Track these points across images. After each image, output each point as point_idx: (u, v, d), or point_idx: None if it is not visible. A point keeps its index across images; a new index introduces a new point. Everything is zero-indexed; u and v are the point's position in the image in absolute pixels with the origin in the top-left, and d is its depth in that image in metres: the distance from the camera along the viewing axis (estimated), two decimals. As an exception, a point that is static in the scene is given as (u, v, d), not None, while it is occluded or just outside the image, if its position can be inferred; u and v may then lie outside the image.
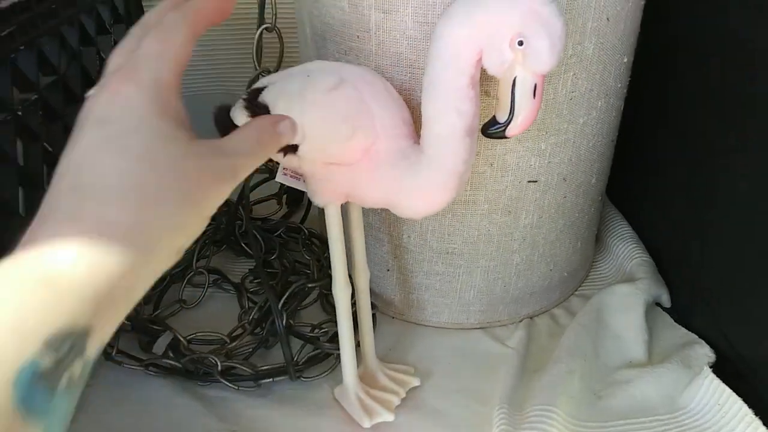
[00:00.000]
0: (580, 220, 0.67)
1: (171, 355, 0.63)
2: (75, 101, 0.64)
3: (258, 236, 0.76)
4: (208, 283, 0.75)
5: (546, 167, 0.59)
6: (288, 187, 0.85)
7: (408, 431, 0.57)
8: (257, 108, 0.50)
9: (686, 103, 0.68)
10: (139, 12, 0.83)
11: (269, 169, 0.77)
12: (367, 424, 0.57)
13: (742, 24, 0.58)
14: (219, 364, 0.61)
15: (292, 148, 0.49)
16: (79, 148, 0.30)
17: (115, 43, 0.73)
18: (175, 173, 0.31)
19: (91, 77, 0.67)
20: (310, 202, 0.84)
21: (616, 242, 0.77)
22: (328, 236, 0.54)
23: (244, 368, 0.62)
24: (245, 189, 0.76)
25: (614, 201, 0.84)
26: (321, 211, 0.79)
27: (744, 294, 0.59)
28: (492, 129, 0.46)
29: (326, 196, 0.52)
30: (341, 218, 0.54)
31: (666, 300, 0.70)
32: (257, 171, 0.77)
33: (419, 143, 0.49)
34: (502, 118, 0.45)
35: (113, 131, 0.30)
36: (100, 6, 0.70)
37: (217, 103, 1.01)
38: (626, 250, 0.75)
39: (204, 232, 0.79)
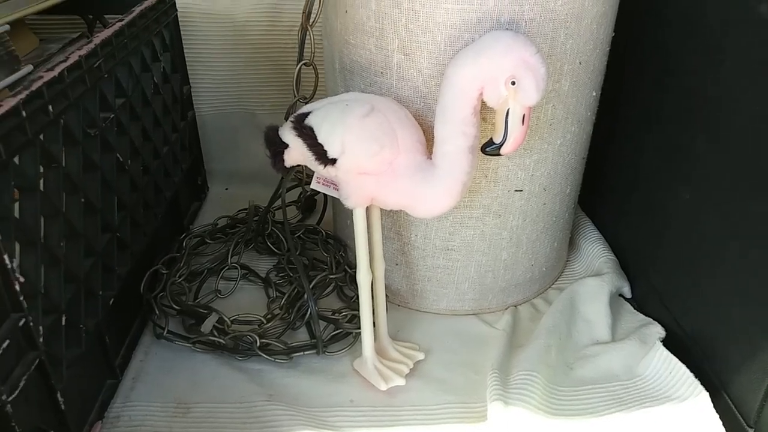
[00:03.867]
0: (557, 224, 0.80)
1: (215, 333, 0.75)
2: (137, 118, 0.76)
3: (286, 237, 0.88)
4: (240, 276, 0.86)
5: (530, 179, 0.72)
6: (304, 195, 0.98)
7: (416, 394, 0.69)
8: (304, 129, 0.63)
9: (642, 130, 0.82)
10: (180, 42, 0.95)
11: (298, 179, 0.89)
12: (383, 387, 0.69)
13: (679, 69, 0.72)
14: (258, 340, 0.73)
15: (331, 161, 0.62)
16: None
17: (164, 69, 0.86)
18: None
19: (147, 98, 0.79)
20: (325, 208, 0.96)
21: (586, 244, 0.91)
22: (355, 232, 0.67)
23: (278, 344, 0.74)
24: (274, 197, 0.88)
25: (585, 210, 0.98)
26: (336, 216, 0.92)
27: (689, 286, 0.72)
28: (489, 148, 0.60)
29: (356, 199, 0.64)
30: (366, 219, 0.67)
31: (627, 291, 0.84)
32: (291, 179, 0.90)
33: (431, 158, 0.62)
34: (497, 139, 0.59)
35: None
36: (154, 38, 0.82)
37: (237, 120, 1.14)
38: (595, 250, 0.88)
39: (236, 233, 0.92)
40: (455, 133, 0.59)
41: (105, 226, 0.67)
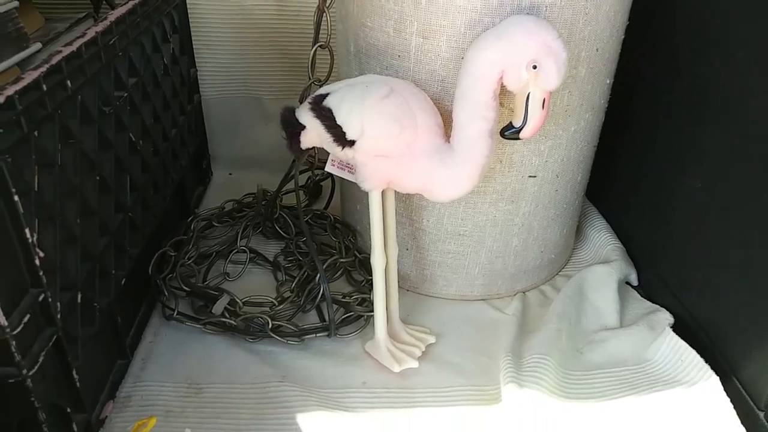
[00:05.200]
0: (567, 211, 0.80)
1: (226, 315, 0.74)
2: (149, 99, 0.75)
3: (299, 220, 0.87)
4: (248, 259, 0.86)
5: (544, 165, 0.72)
6: (312, 180, 0.98)
7: (429, 376, 0.70)
8: (322, 111, 0.62)
9: (653, 118, 0.83)
10: (187, 25, 0.94)
11: (310, 163, 0.89)
12: (397, 369, 0.69)
13: (690, 60, 0.73)
14: (270, 322, 0.73)
15: (350, 143, 0.62)
16: None
17: (173, 51, 0.85)
18: None
19: (158, 79, 0.78)
20: (332, 193, 0.96)
21: (593, 232, 0.91)
22: (370, 216, 0.67)
23: (289, 326, 0.74)
24: (284, 181, 0.88)
25: (591, 199, 0.99)
26: (344, 201, 0.92)
27: (698, 274, 0.73)
28: (509, 132, 0.60)
29: (373, 182, 0.64)
30: (381, 202, 0.67)
31: (634, 279, 0.84)
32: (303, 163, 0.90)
33: (449, 142, 0.62)
34: (517, 123, 0.59)
35: None
36: (164, 19, 0.81)
37: (242, 105, 1.14)
38: (602, 238, 0.89)
39: (243, 217, 0.92)
40: (475, 117, 0.59)
41: (118, 206, 0.66)
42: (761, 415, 0.61)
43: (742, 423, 0.62)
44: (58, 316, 0.53)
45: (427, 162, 0.62)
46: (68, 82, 0.54)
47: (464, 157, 0.61)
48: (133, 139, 0.70)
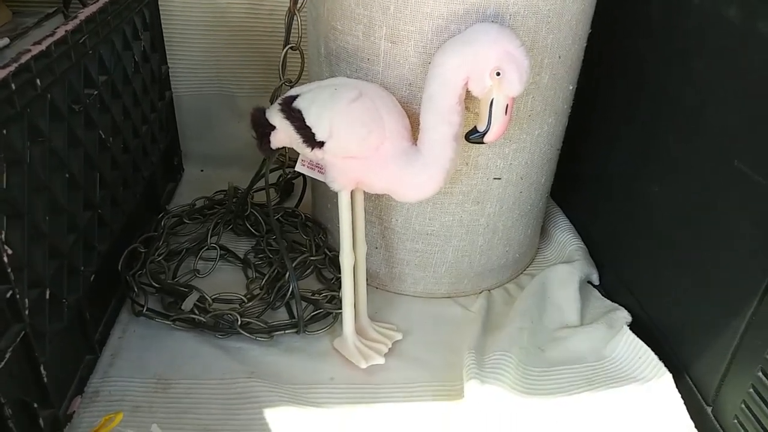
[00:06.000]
0: (531, 212, 0.83)
1: (196, 311, 0.75)
2: (119, 96, 0.75)
3: (269, 218, 0.88)
4: (219, 256, 0.87)
5: (508, 168, 0.74)
6: (284, 179, 0.99)
7: (395, 372, 0.71)
8: (292, 112, 0.63)
9: (614, 126, 0.85)
10: (159, 22, 0.94)
11: (281, 162, 0.90)
12: (363, 365, 0.71)
13: (653, 68, 0.75)
14: (239, 319, 0.74)
15: (319, 144, 0.63)
16: None
17: (144, 48, 0.85)
18: None
19: (128, 76, 0.79)
20: (303, 191, 0.97)
21: (557, 232, 0.94)
22: (339, 215, 0.68)
23: (259, 323, 0.75)
24: (255, 179, 0.89)
25: (558, 201, 1.01)
26: (316, 199, 0.93)
27: (654, 275, 0.76)
28: (473, 136, 0.62)
29: (342, 182, 0.66)
30: (350, 202, 0.68)
31: (595, 278, 0.87)
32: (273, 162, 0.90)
33: (416, 145, 0.64)
34: (481, 128, 0.61)
35: None
36: (135, 16, 0.82)
37: (214, 102, 1.14)
38: (565, 238, 0.92)
39: (214, 214, 0.92)
40: (441, 122, 0.61)
41: (87, 203, 0.67)
42: (709, 409, 0.64)
43: (692, 417, 0.65)
44: (26, 312, 0.54)
45: (394, 164, 0.63)
46: (37, 81, 0.54)
47: (430, 160, 0.62)
48: (103, 136, 0.70)
